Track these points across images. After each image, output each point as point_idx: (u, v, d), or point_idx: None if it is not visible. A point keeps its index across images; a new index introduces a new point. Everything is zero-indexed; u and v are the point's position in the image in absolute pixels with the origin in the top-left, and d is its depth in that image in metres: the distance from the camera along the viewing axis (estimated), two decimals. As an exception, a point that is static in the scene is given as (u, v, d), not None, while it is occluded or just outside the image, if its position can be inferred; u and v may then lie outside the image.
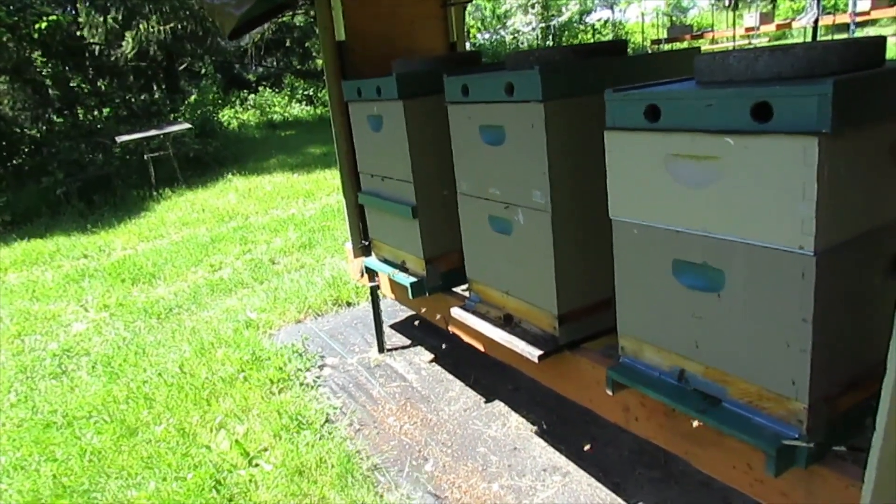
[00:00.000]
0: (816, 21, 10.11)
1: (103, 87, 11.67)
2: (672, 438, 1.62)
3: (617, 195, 1.49)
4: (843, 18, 11.19)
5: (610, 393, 1.64)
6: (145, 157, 8.66)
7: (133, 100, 11.60)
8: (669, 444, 1.64)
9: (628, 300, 1.56)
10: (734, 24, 13.25)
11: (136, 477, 2.47)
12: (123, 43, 11.45)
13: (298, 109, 15.81)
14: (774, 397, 1.27)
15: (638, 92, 1.36)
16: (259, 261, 5.06)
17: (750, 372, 1.30)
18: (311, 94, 16.40)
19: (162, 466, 2.49)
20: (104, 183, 8.45)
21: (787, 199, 1.12)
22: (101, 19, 11.02)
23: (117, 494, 2.38)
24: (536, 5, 19.01)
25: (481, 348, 2.31)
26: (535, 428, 2.55)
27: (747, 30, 12.89)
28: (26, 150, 9.40)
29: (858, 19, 11.37)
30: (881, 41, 1.20)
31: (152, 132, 9.03)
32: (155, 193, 8.24)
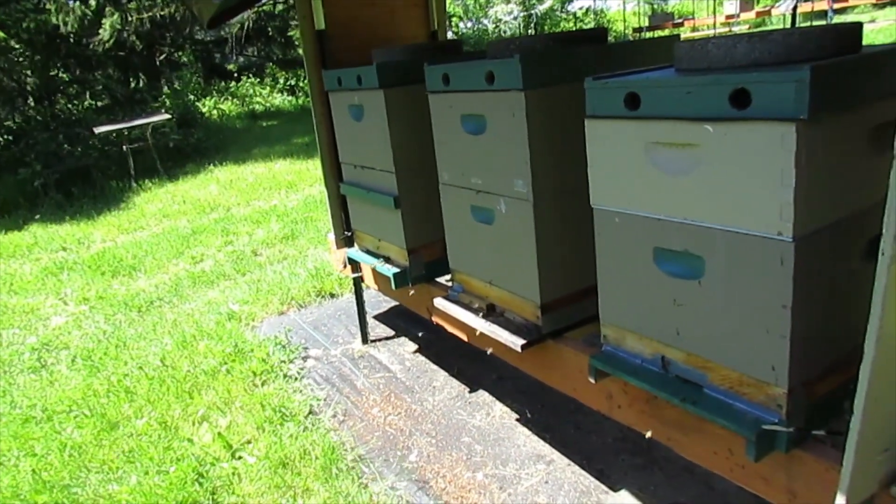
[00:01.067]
0: (795, 8, 10.18)
1: (82, 76, 11.48)
2: (654, 425, 1.63)
3: (598, 183, 1.49)
4: (821, 5, 11.26)
5: (592, 381, 1.64)
6: (124, 148, 8.54)
7: (113, 89, 11.42)
8: (652, 430, 1.65)
9: (610, 288, 1.56)
10: (715, 12, 13.28)
11: (118, 471, 2.45)
12: (101, 31, 11.25)
13: (280, 99, 15.67)
14: (754, 383, 1.28)
15: (617, 80, 1.36)
16: (241, 252, 5.02)
17: (730, 358, 1.31)
18: (293, 83, 16.25)
19: (143, 460, 2.47)
20: (83, 174, 8.33)
21: (766, 186, 1.12)
22: (76, 5, 10.80)
23: (98, 489, 2.36)
24: (518, -7, 18.97)
25: (465, 338, 2.31)
26: (519, 417, 2.55)
27: (728, 17, 12.93)
28: (3, 141, 9.24)
29: (836, 6, 11.45)
30: (857, 27, 1.20)
31: (132, 123, 8.90)
32: (135, 185, 8.14)
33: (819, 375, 1.30)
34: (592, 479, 2.17)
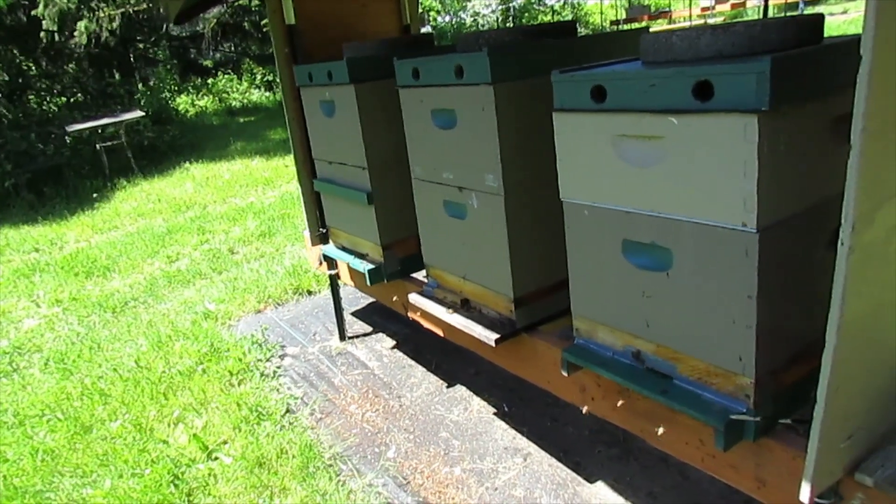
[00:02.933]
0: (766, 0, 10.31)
1: (53, 72, 11.26)
2: (627, 417, 1.64)
3: (567, 177, 1.49)
4: (795, -2, 11.41)
5: (565, 374, 1.64)
6: (98, 146, 8.40)
7: (86, 86, 11.20)
8: (625, 422, 1.66)
9: (581, 281, 1.56)
10: (690, 4, 13.40)
11: (92, 475, 2.41)
12: (76, 33, 11.05)
13: (258, 95, 15.50)
14: (722, 373, 1.29)
15: (583, 73, 1.36)
16: (217, 251, 4.97)
17: (698, 349, 1.32)
18: (270, 79, 16.08)
19: (118, 463, 2.44)
20: (55, 174, 8.17)
21: (730, 177, 1.13)
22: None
23: (72, 493, 2.32)
24: (496, -13, 18.94)
25: (441, 333, 2.31)
26: (496, 411, 2.56)
27: (703, 10, 13.05)
28: (-29, 141, 9.03)
29: (808, -1, 11.60)
30: (819, 19, 1.21)
31: (105, 120, 8.74)
32: (109, 184, 8.01)
33: (786, 365, 1.31)
34: (569, 471, 2.18)
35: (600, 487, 2.09)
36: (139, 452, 2.50)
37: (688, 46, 1.23)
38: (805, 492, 1.13)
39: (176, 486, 2.29)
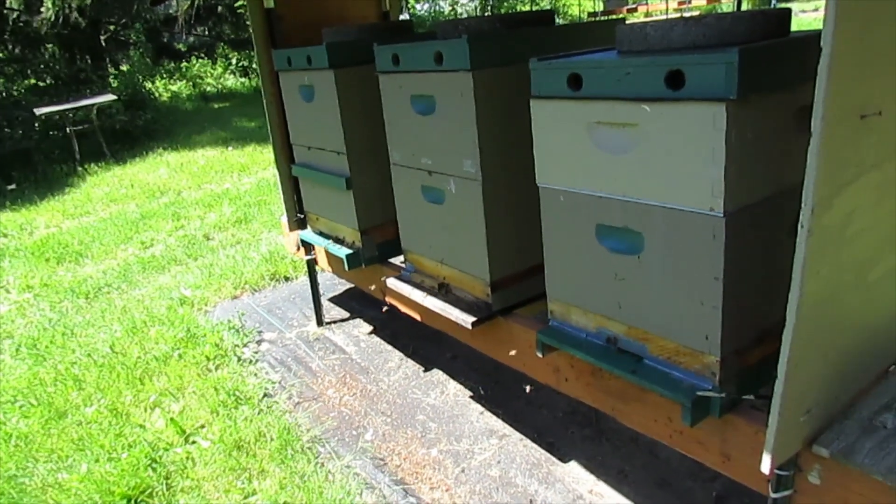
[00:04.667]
0: (740, -6, 10.46)
1: (22, 54, 10.99)
2: (599, 396, 1.69)
3: (543, 162, 1.52)
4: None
5: (540, 355, 1.69)
6: (68, 130, 8.24)
7: (55, 69, 10.96)
8: (597, 401, 1.71)
9: (556, 265, 1.60)
10: (667, -3, 13.51)
11: (67, 460, 2.41)
12: (43, 9, 10.76)
13: (233, 81, 15.30)
14: (690, 352, 1.34)
15: (561, 61, 1.39)
16: (193, 237, 4.94)
17: (668, 329, 1.37)
18: (245, 64, 15.87)
19: (94, 448, 2.44)
20: (24, 158, 8.01)
21: (699, 164, 1.17)
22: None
23: (47, 478, 2.32)
24: (475, -25, 18.87)
25: (418, 318, 2.34)
26: (472, 394, 2.61)
27: (680, 3, 13.15)
28: (-64, 123, 8.80)
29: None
30: (786, 13, 1.26)
31: (75, 104, 8.58)
32: (80, 169, 7.88)
33: (750, 344, 1.37)
34: (543, 451, 2.23)
35: (573, 467, 2.14)
36: (115, 437, 2.50)
37: (661, 37, 1.27)
38: (766, 463, 1.19)
39: (154, 469, 2.29)
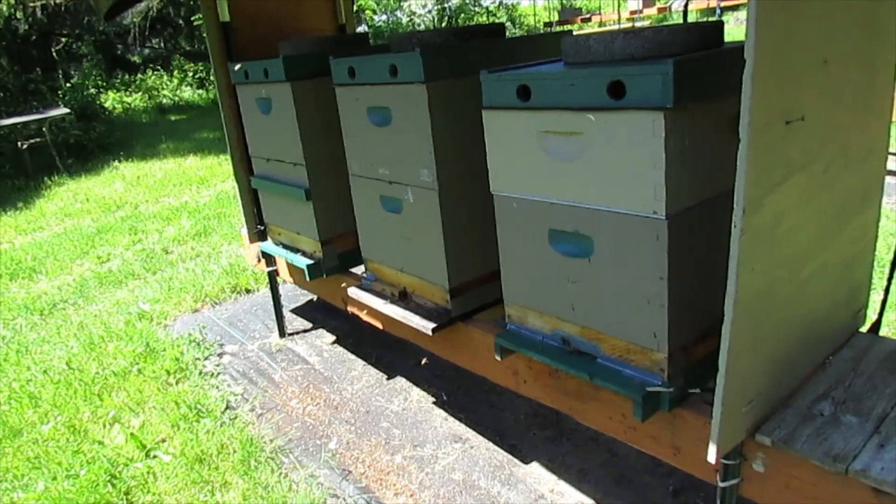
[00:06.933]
0: (686, 5, 10.81)
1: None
2: (557, 397, 1.74)
3: (497, 171, 1.57)
4: (715, 2, 11.97)
5: (499, 359, 1.73)
6: (19, 144, 8.03)
7: (4, 81, 10.65)
8: (556, 402, 1.76)
9: (512, 269, 1.65)
10: (619, 8, 13.85)
11: (23, 478, 2.36)
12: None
13: (190, 93, 15.09)
14: (640, 350, 1.40)
15: (510, 73, 1.44)
16: (151, 251, 4.86)
17: (618, 328, 1.43)
18: (202, 76, 15.66)
19: (51, 465, 2.39)
20: (-28, 174, 7.78)
21: (641, 169, 1.23)
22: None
23: (1, 497, 2.27)
24: (432, -13, 19.02)
25: (380, 326, 2.36)
26: (435, 400, 2.64)
27: (632, 13, 13.51)
28: None
29: (725, 4, 12.20)
30: (719, 25, 1.33)
31: (26, 117, 8.36)
32: (32, 183, 7.68)
33: (696, 340, 1.43)
34: (505, 453, 2.27)
35: (535, 467, 2.19)
36: (73, 454, 2.45)
37: (603, 49, 1.33)
38: (712, 453, 1.25)
39: (113, 485, 2.26)
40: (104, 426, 2.63)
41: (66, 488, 2.25)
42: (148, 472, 2.31)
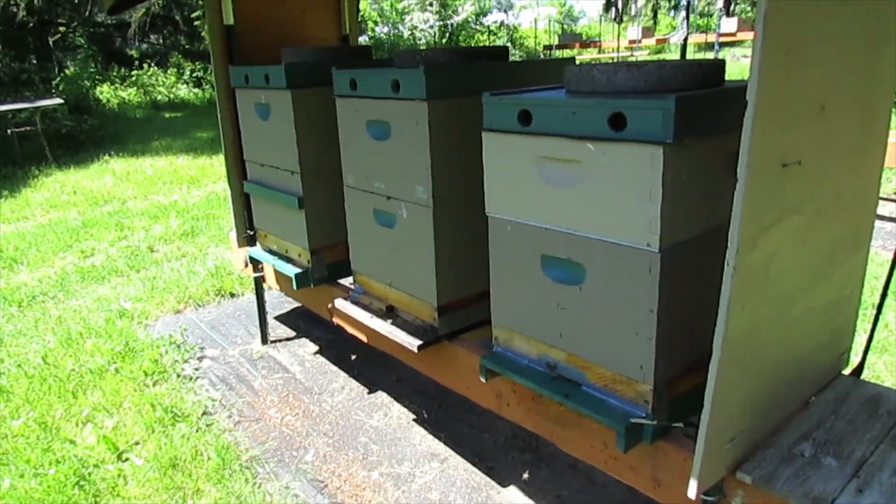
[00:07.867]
0: (686, 39, 10.97)
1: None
2: (539, 422, 1.73)
3: (492, 193, 1.58)
4: (713, 38, 12.18)
5: (483, 380, 1.72)
6: (9, 131, 7.95)
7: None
8: (537, 427, 1.75)
9: (501, 292, 1.65)
10: (619, 37, 14.04)
11: (-10, 475, 2.31)
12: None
13: (186, 91, 15.06)
14: (625, 380, 1.40)
15: (512, 97, 1.45)
16: (136, 248, 4.82)
17: (605, 358, 1.43)
18: (200, 75, 15.65)
19: (19, 462, 2.34)
20: (-42, 159, 7.69)
21: (637, 201, 1.24)
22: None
23: (-33, 494, 2.22)
24: (434, 3, 19.15)
25: (364, 339, 2.35)
26: (415, 417, 2.62)
27: (631, 42, 13.71)
28: None
29: (724, 40, 12.42)
30: (721, 64, 1.35)
31: (18, 105, 8.29)
32: (20, 172, 7.60)
33: (682, 373, 1.44)
34: (483, 475, 2.26)
35: (512, 491, 2.18)
36: (43, 452, 2.40)
37: (606, 80, 1.35)
38: (692, 488, 1.25)
39: (82, 487, 2.22)
40: (77, 425, 2.58)
41: (33, 487, 2.20)
42: (119, 475, 2.27)
